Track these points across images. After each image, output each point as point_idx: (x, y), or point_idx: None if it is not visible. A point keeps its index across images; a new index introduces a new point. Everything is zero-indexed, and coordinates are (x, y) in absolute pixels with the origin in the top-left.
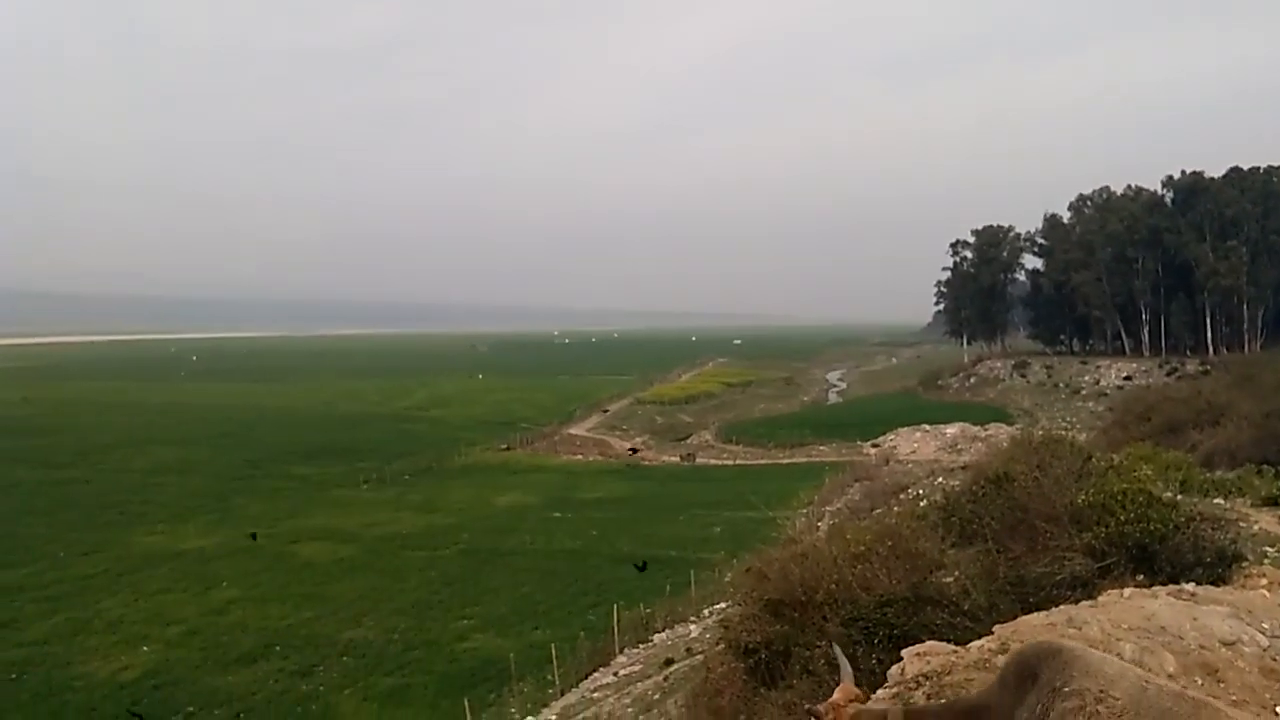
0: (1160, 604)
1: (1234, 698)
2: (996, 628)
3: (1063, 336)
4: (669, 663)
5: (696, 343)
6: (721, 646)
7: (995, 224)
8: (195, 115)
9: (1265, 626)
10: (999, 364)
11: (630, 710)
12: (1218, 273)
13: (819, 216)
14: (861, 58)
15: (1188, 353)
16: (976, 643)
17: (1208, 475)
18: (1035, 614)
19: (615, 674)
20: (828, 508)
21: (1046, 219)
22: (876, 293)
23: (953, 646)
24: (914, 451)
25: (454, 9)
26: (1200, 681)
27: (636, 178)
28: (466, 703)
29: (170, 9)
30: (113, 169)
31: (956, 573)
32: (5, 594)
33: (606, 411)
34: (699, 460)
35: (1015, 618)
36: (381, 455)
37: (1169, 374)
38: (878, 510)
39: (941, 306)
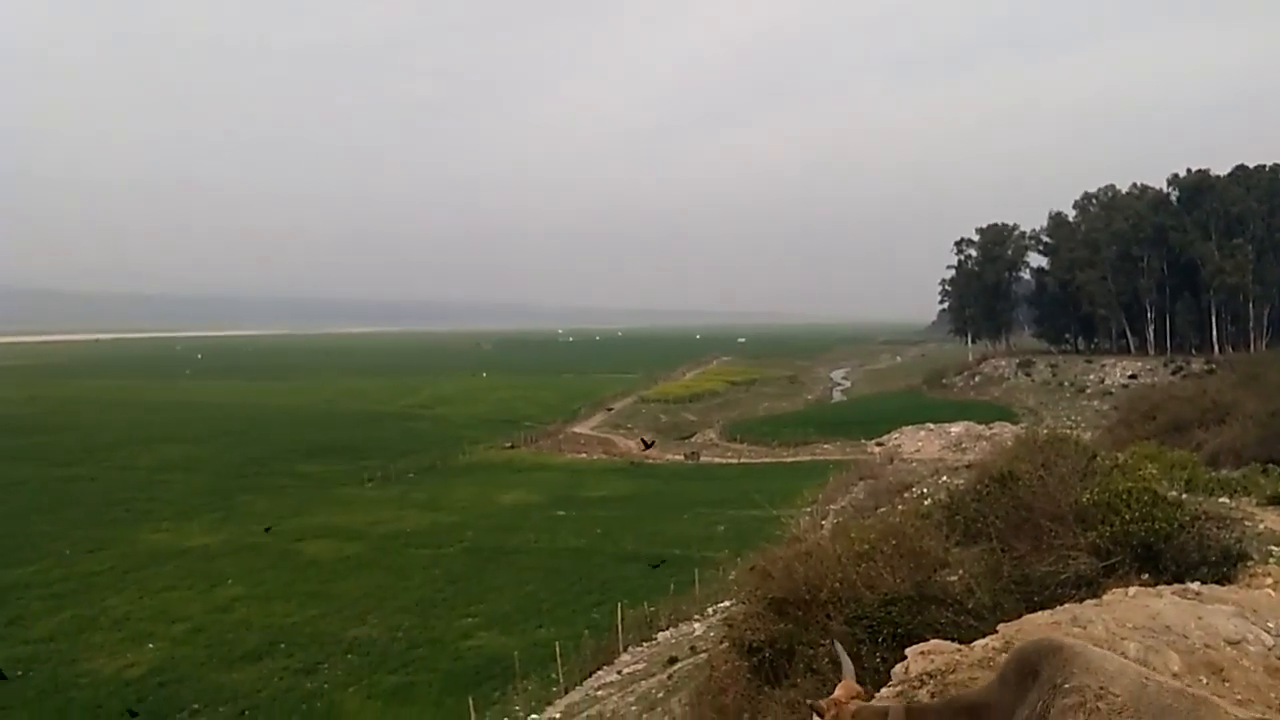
0: (1165, 603)
1: (1239, 697)
2: (1001, 626)
3: (1068, 335)
4: (673, 661)
5: (701, 341)
6: (725, 645)
7: (1000, 222)
8: (199, 113)
9: (1270, 625)
10: (1004, 362)
11: (634, 708)
12: (1223, 271)
13: (824, 214)
14: (871, 55)
15: (1193, 351)
16: (981, 641)
17: (1213, 474)
18: (1040, 613)
19: (619, 672)
20: (832, 506)
21: (1051, 217)
22: (881, 291)
23: (957, 645)
24: (918, 450)
25: (461, 6)
26: (1205, 680)
27: (642, 175)
28: (470, 701)
29: (173, 6)
30: (116, 167)
31: (961, 571)
32: (11, 591)
33: (611, 410)
34: (703, 459)
35: (1020, 617)
36: (386, 453)
37: (1174, 373)
38: (882, 509)
39: (946, 305)
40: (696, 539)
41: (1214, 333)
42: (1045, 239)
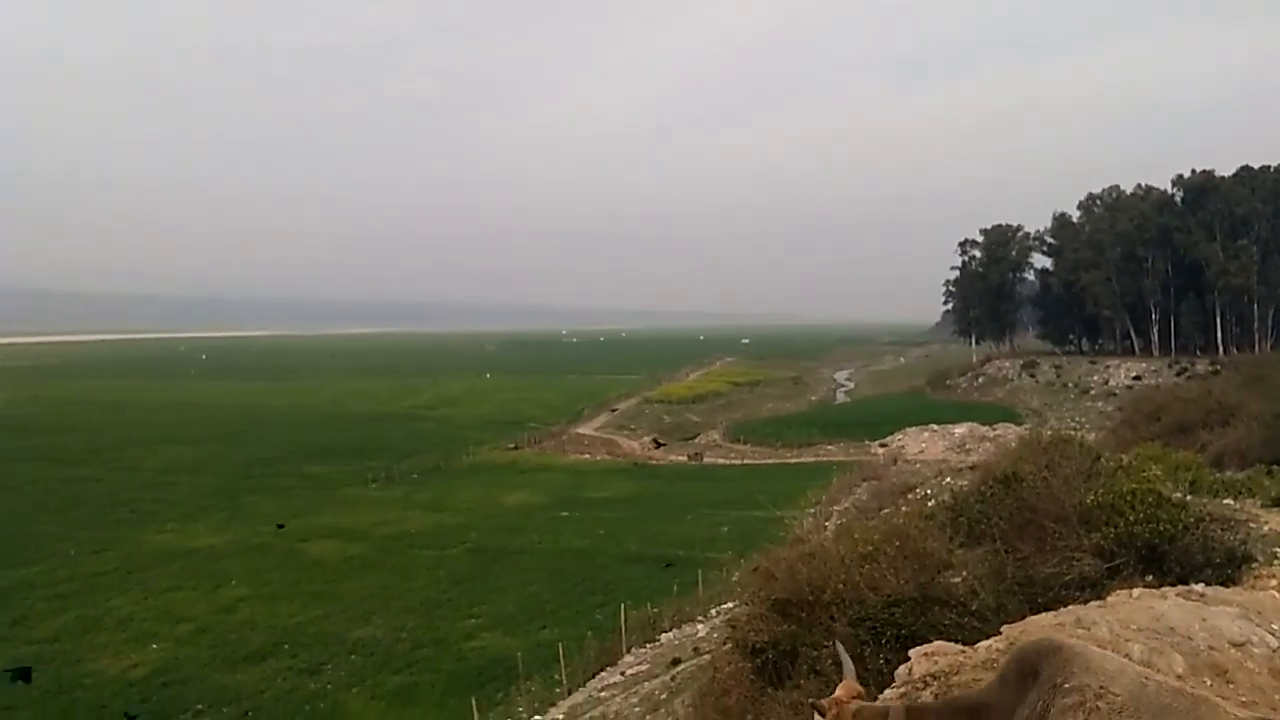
0: (1169, 604)
1: (1243, 699)
2: (1004, 628)
3: (1072, 336)
4: (676, 662)
5: (704, 342)
6: (729, 646)
7: (1004, 223)
8: (199, 113)
9: (1275, 628)
10: (1007, 364)
11: (637, 709)
12: (1228, 272)
13: (827, 215)
14: (872, 55)
15: (1197, 352)
16: (984, 643)
17: (1217, 476)
18: (1043, 614)
19: (622, 673)
20: (835, 507)
21: (1055, 218)
22: (885, 292)
23: (960, 647)
24: (922, 451)
25: (461, 6)
26: (1209, 682)
27: (644, 176)
28: (474, 701)
29: (173, 7)
30: (116, 167)
31: (964, 573)
32: (17, 591)
33: (614, 411)
34: (707, 460)
35: (1023, 618)
36: (390, 454)
37: (1178, 374)
38: (885, 510)
39: (950, 306)
40: (700, 540)
41: (1219, 334)
42: (1049, 240)
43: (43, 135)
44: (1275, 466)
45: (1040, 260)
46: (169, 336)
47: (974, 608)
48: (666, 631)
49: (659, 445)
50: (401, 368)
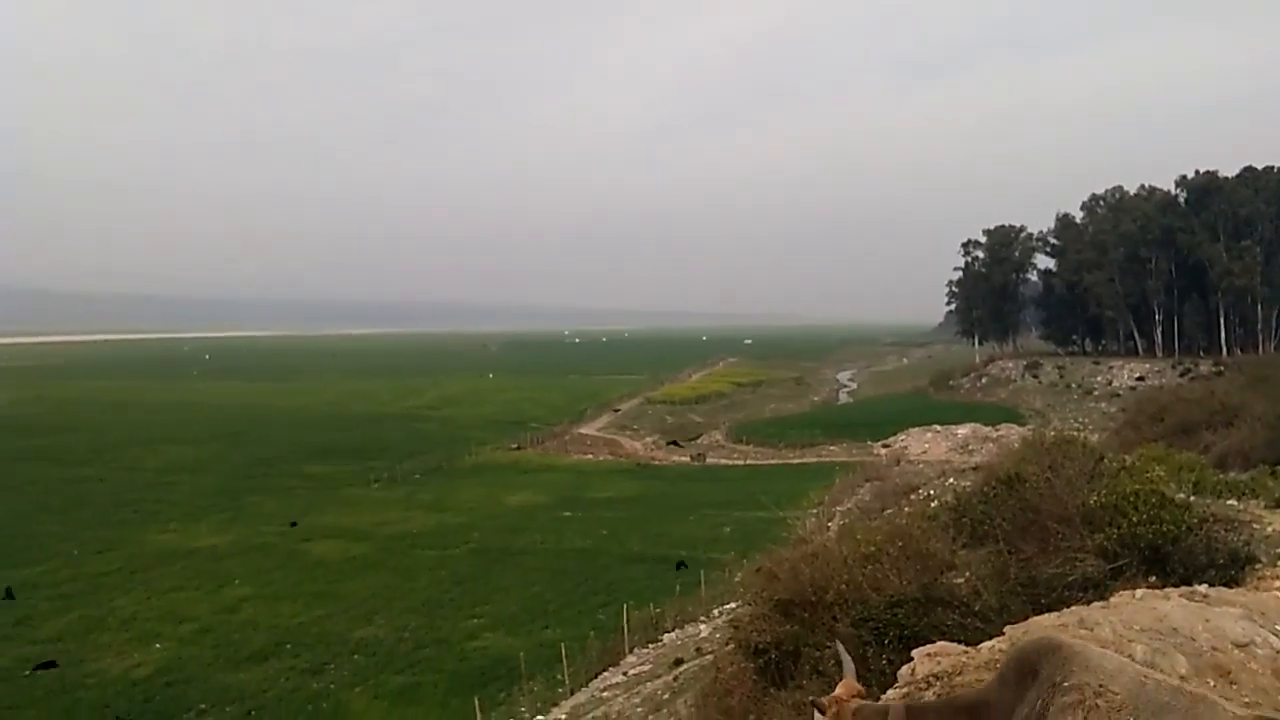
0: (1173, 605)
1: (1246, 700)
2: (1008, 629)
3: (1075, 337)
4: (679, 662)
5: (707, 342)
6: (731, 646)
7: (1007, 224)
8: (200, 113)
9: (1279, 628)
10: (1011, 364)
11: (640, 710)
12: (1231, 273)
13: (830, 215)
14: (873, 55)
15: (1201, 353)
16: (987, 644)
17: (1221, 476)
18: (1046, 615)
19: (625, 673)
20: (838, 508)
21: (1059, 219)
22: (887, 292)
23: (963, 647)
24: (925, 452)
25: (461, 6)
26: (1213, 683)
27: (646, 176)
28: (477, 701)
29: (174, 7)
30: (120, 168)
31: (967, 573)
32: (20, 591)
33: (617, 411)
34: (709, 460)
35: (1026, 619)
36: (392, 454)
37: (1182, 375)
38: (888, 511)
39: (953, 306)
40: (702, 540)
41: (1222, 334)
42: (1052, 240)
43: (44, 136)
44: (1279, 467)
45: (1043, 261)
46: (171, 337)
47: (977, 608)
48: (669, 632)
49: (673, 444)
50: (403, 368)
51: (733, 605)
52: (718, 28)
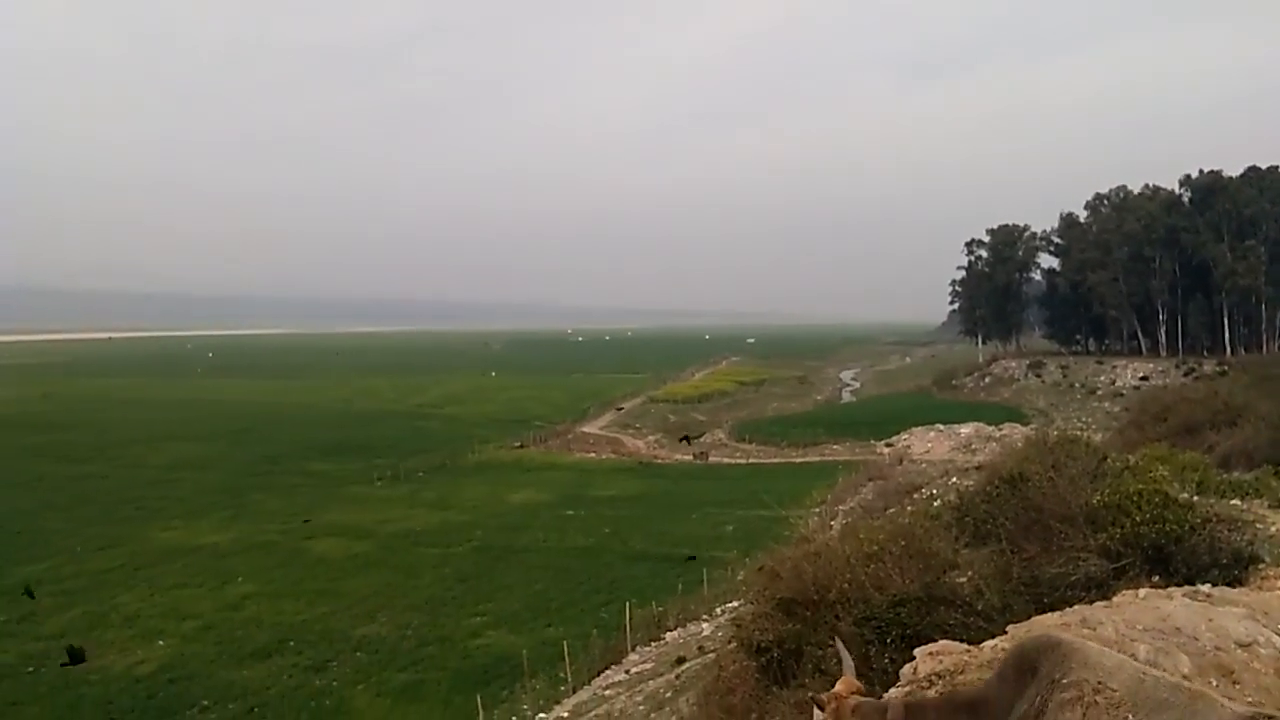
0: (1176, 605)
1: (1249, 699)
2: (1010, 628)
3: (1078, 336)
4: (681, 661)
5: (710, 341)
6: (734, 645)
7: (1011, 223)
8: (207, 112)
9: None
10: (1014, 364)
11: (642, 708)
12: (1235, 273)
13: (833, 214)
14: (877, 54)
15: (1205, 353)
16: (990, 642)
17: (1224, 476)
18: (1049, 614)
19: (627, 671)
20: (841, 507)
21: (1062, 218)
22: (891, 292)
23: (966, 646)
24: (928, 451)
25: (462, 5)
26: (1215, 683)
27: (650, 175)
28: (479, 699)
29: (178, 7)
30: (122, 166)
31: (970, 573)
32: (24, 587)
33: (620, 410)
34: (712, 459)
35: (1029, 618)
36: (396, 452)
37: (1186, 374)
38: (891, 510)
39: (956, 306)
40: (705, 539)
41: (1226, 334)
42: (1056, 240)
43: (45, 135)
44: None
45: (1047, 260)
46: (174, 335)
47: (979, 608)
48: (671, 630)
49: (685, 440)
50: (407, 366)
51: (735, 604)
52: (720, 27)
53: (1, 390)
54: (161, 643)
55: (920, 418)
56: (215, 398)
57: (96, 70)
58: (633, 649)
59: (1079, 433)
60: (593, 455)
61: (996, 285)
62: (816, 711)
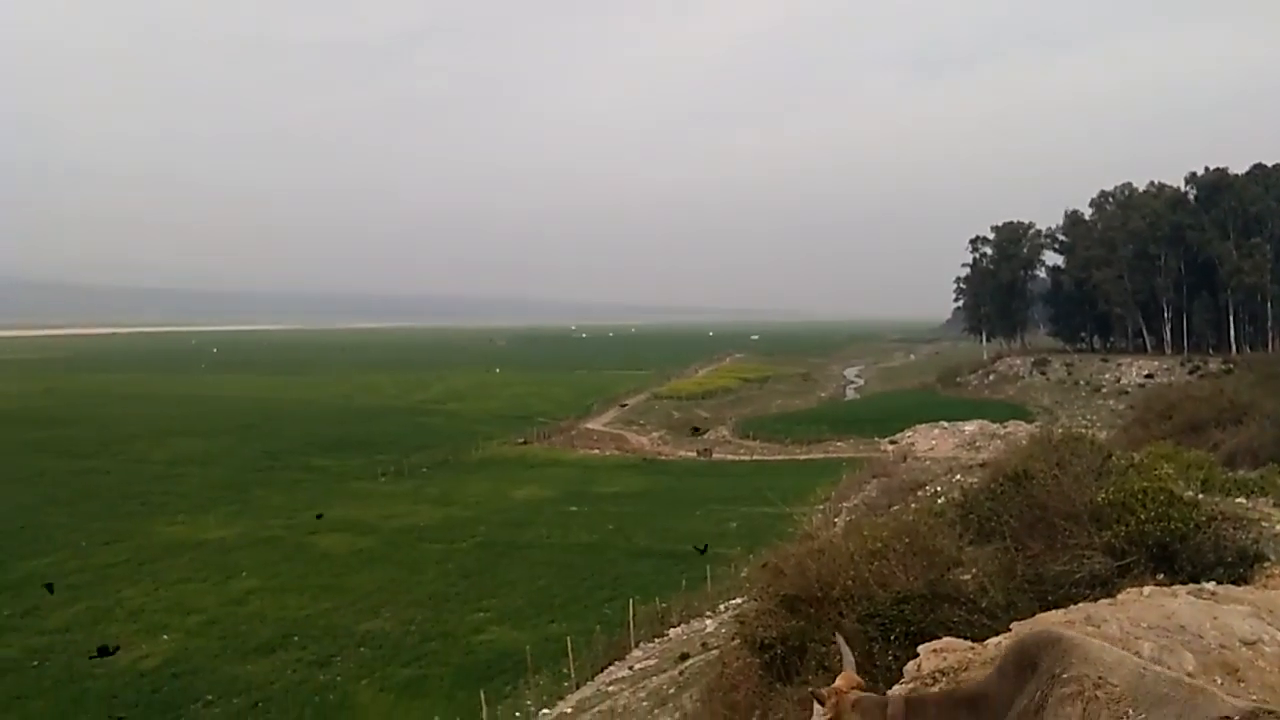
0: (1180, 603)
1: (1254, 697)
2: (1014, 625)
3: (1083, 334)
4: (684, 657)
5: (714, 338)
6: (737, 641)
7: (1016, 220)
8: (210, 108)
9: None
10: (1019, 361)
11: (645, 704)
12: (1241, 270)
13: (838, 212)
14: (882, 51)
15: (1210, 351)
16: (994, 640)
17: (1229, 474)
18: (1053, 611)
19: (631, 668)
20: (845, 504)
21: (1067, 215)
22: (895, 289)
23: (970, 644)
24: (932, 448)
25: (476, 4)
26: (1220, 681)
27: (656, 172)
28: (483, 694)
29: (184, 1)
30: (130, 162)
31: (974, 570)
32: (28, 582)
33: (624, 406)
34: (716, 455)
35: (1033, 615)
36: (399, 448)
37: (1191, 372)
38: (895, 507)
39: (961, 303)
40: (708, 535)
41: (1231, 332)
42: (1061, 237)
43: (53, 129)
44: None
45: (1052, 258)
46: (178, 330)
47: (984, 605)
48: (675, 626)
49: (696, 431)
50: (411, 362)
51: (739, 600)
52: (729, 25)
53: (3, 385)
54: (166, 637)
55: (924, 415)
56: (219, 393)
57: (101, 65)
58: (636, 645)
59: (1084, 430)
60: (596, 451)
61: (1001, 282)
62: (817, 706)
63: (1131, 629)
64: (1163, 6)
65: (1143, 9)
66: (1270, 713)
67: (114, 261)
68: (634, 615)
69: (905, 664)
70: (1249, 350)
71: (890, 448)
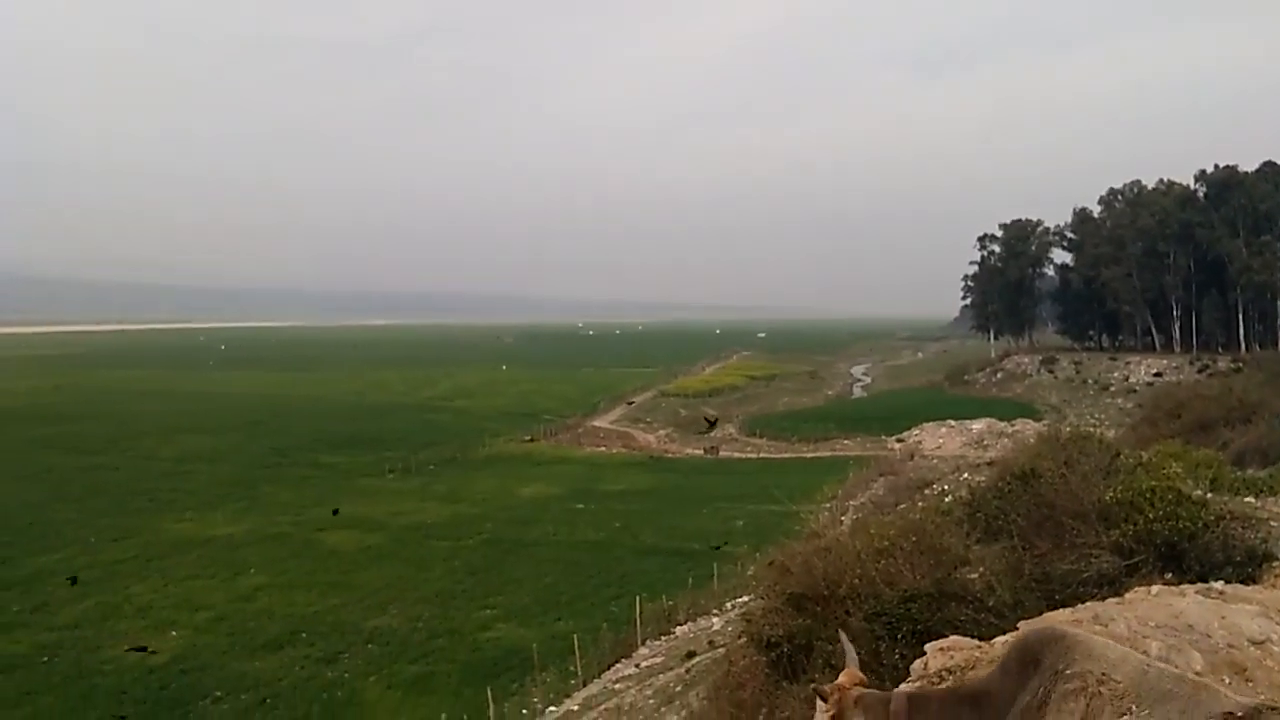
0: (1188, 602)
1: (1262, 696)
2: (1021, 624)
3: (1091, 332)
4: (691, 655)
5: (720, 336)
6: (744, 639)
7: (1024, 218)
8: (222, 106)
9: None
10: (1026, 359)
11: (652, 702)
12: (1251, 268)
13: (844, 209)
14: (888, 49)
15: (1219, 349)
16: (1001, 638)
17: (1238, 473)
18: (1061, 610)
19: (637, 665)
20: (851, 502)
21: (1076, 213)
22: (903, 286)
23: (976, 642)
24: (939, 447)
25: (480, 3)
26: (1228, 680)
27: (663, 170)
28: (489, 692)
29: (188, 1)
30: (137, 159)
31: (981, 569)
32: (37, 578)
33: (631, 404)
34: (722, 453)
35: (1041, 614)
36: (407, 445)
37: (1200, 371)
38: (902, 505)
39: (968, 301)
40: (715, 533)
41: (1241, 331)
42: (1069, 235)
43: (63, 127)
44: None
45: (1060, 255)
46: (187, 327)
47: (991, 604)
48: (681, 624)
49: (711, 424)
50: (418, 359)
51: (745, 598)
52: (737, 22)
53: (12, 382)
54: (174, 633)
55: (932, 413)
56: (228, 390)
57: (111, 62)
58: (643, 643)
59: (1092, 429)
60: (603, 449)
61: (1009, 280)
62: (820, 703)
63: (1139, 628)
64: (1163, 6)
65: (1143, 9)
66: (1273, 709)
67: (115, 258)
68: (640, 613)
69: (912, 662)
70: (1259, 349)
71: (897, 446)
